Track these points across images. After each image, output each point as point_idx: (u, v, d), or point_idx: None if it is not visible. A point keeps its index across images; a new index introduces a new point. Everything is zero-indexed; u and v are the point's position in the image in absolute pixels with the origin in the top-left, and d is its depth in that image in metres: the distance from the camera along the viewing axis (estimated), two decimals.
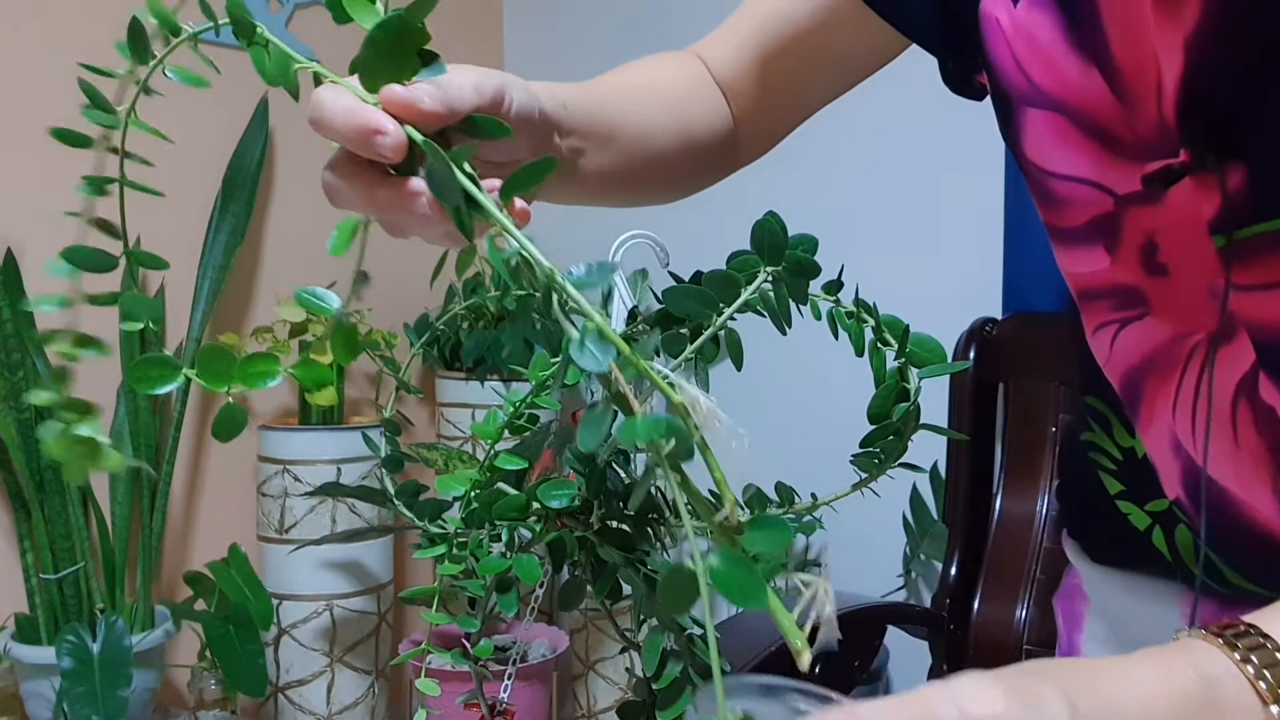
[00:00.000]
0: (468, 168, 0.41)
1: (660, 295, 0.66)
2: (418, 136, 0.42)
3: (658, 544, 0.68)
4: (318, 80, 0.44)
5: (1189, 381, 0.53)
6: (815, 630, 0.34)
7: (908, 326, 0.65)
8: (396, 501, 0.81)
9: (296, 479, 1.81)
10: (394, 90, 0.41)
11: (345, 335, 0.44)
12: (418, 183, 0.43)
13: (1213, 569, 0.56)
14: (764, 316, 0.66)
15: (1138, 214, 0.51)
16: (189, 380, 0.41)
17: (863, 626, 1.26)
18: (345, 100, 0.41)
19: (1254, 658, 0.36)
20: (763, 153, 0.72)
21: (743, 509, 0.72)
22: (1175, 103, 0.47)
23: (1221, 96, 0.46)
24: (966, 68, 0.61)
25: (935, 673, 1.34)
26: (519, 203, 0.43)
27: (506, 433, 0.70)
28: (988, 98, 0.63)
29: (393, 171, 0.44)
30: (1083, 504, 0.68)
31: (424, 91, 0.42)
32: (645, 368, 0.34)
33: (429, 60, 0.43)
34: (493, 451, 0.69)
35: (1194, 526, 0.56)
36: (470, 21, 2.29)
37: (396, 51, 0.42)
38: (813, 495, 0.71)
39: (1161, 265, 0.52)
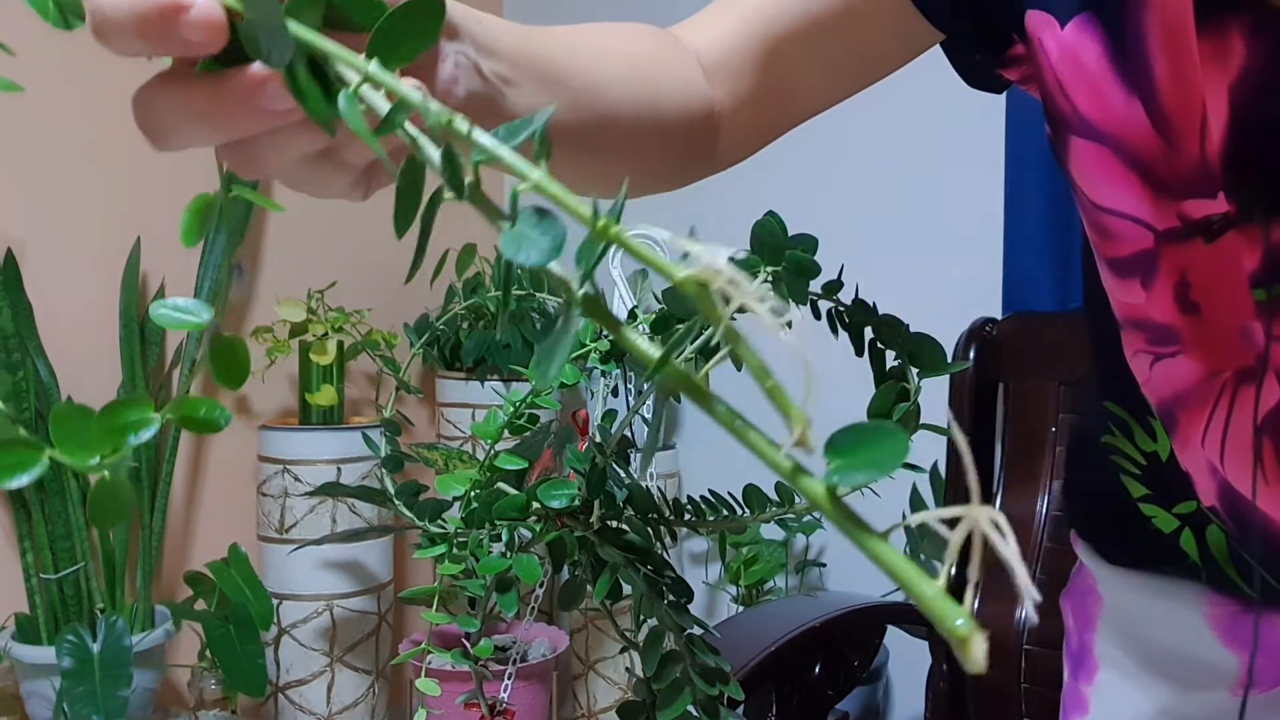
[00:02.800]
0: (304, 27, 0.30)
1: (660, 295, 0.66)
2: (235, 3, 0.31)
3: (658, 544, 0.68)
4: None
5: (1219, 416, 0.53)
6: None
7: (908, 326, 0.65)
8: (397, 501, 0.81)
9: (296, 479, 1.81)
10: None
11: (223, 352, 0.33)
12: (257, 68, 0.31)
13: (1264, 581, 0.56)
14: None
15: (1174, 251, 0.50)
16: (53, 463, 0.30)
17: (863, 626, 1.26)
18: None
19: None
20: (747, 153, 0.62)
21: (743, 509, 0.72)
22: (1220, 150, 0.46)
23: (1268, 151, 0.46)
24: (992, 63, 0.58)
25: (935, 672, 1.34)
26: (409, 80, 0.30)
27: (506, 433, 0.70)
28: (1005, 91, 0.62)
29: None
30: (1099, 507, 0.67)
31: None
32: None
33: None
34: (493, 451, 0.69)
35: (1228, 528, 0.56)
36: None
37: None
38: None
39: (1194, 304, 0.51)
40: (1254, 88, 0.45)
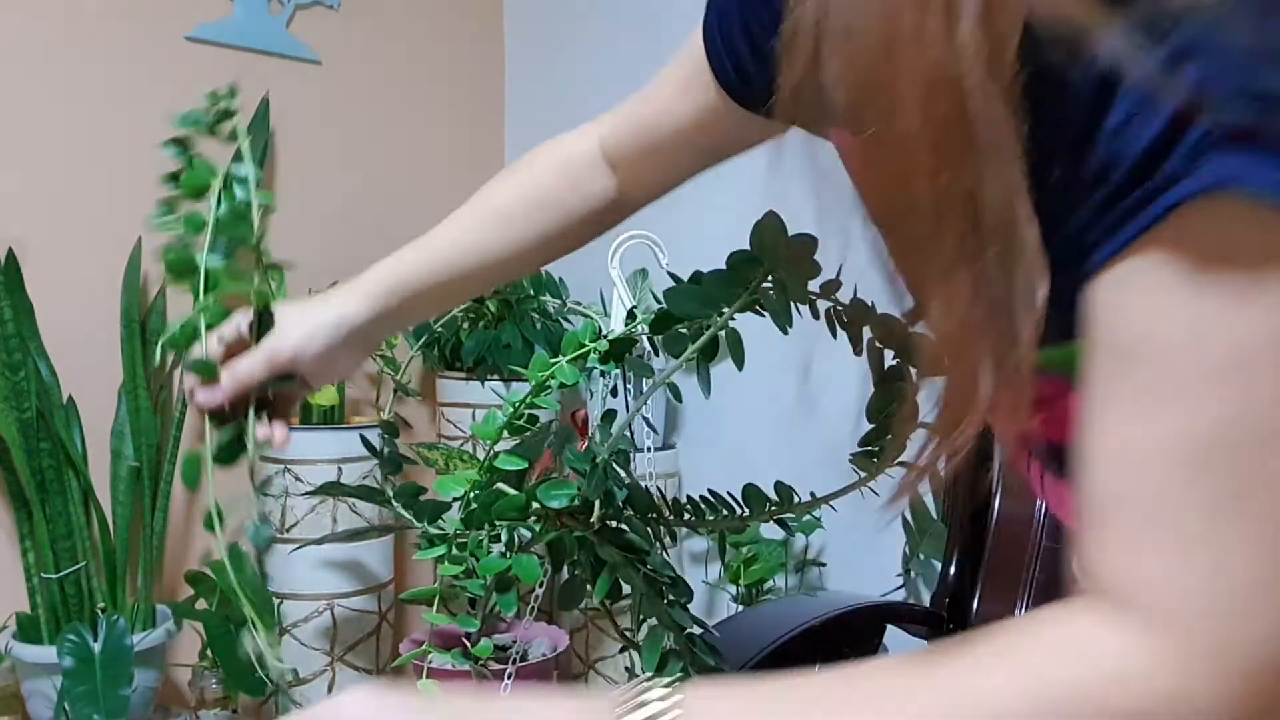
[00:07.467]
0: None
1: (660, 295, 0.67)
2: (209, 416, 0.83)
3: (657, 544, 0.68)
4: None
5: None
6: None
7: (906, 325, 0.65)
8: (395, 503, 0.81)
9: (297, 478, 1.81)
10: (199, 394, 0.81)
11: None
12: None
13: None
14: (764, 316, 0.66)
15: None
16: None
17: (863, 626, 1.26)
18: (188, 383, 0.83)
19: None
20: (647, 203, 0.81)
21: (743, 509, 0.72)
22: None
23: None
24: None
25: None
26: (278, 435, 0.86)
27: (506, 433, 0.70)
28: None
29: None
30: None
31: (219, 388, 0.81)
32: None
33: (267, 325, 0.83)
34: (492, 452, 0.69)
35: None
36: (471, 26, 2.29)
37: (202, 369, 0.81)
38: (812, 494, 0.71)
39: None
40: None
